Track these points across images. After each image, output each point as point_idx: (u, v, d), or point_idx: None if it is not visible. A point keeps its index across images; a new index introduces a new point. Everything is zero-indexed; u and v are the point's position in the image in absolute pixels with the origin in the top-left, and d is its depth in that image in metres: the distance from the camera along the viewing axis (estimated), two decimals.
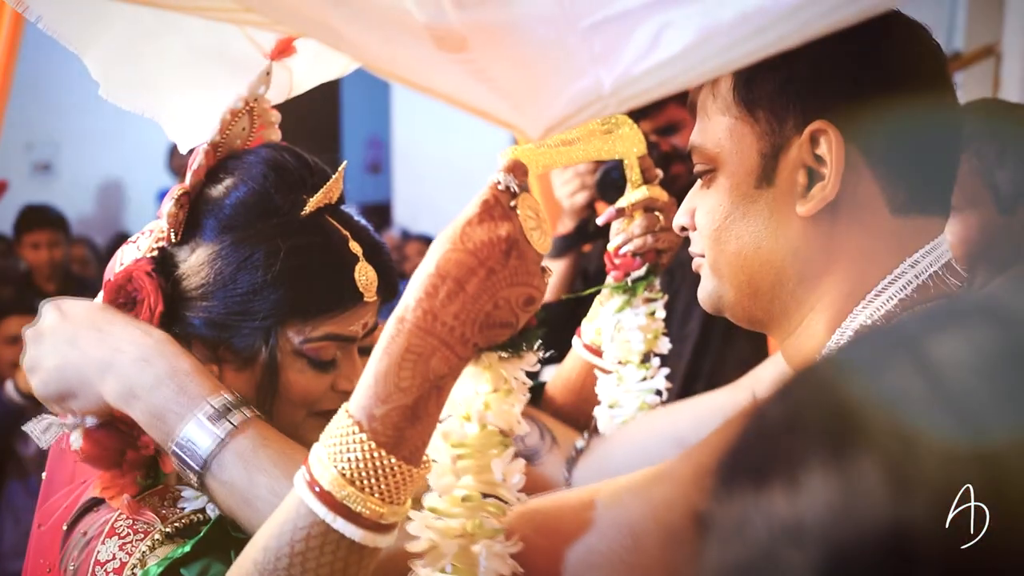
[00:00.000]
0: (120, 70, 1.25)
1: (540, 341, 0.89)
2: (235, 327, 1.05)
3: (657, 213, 1.38)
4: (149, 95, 1.29)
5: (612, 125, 1.31)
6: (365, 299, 1.09)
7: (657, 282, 1.39)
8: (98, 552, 0.99)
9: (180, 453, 0.97)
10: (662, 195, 1.39)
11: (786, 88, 0.91)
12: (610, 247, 1.40)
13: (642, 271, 1.37)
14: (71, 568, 1.02)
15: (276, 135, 1.19)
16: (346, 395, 1.10)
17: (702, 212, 0.98)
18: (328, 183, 1.09)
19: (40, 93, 6.43)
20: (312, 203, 1.08)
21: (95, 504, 1.05)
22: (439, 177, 7.39)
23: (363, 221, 1.14)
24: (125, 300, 1.07)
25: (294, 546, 0.80)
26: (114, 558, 0.98)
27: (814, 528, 0.42)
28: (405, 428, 0.80)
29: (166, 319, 1.06)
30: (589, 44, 0.67)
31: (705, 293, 1.00)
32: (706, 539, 0.47)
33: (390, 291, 1.13)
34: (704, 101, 0.99)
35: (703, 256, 1.00)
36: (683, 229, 1.04)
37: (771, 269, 0.94)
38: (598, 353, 1.43)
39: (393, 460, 0.80)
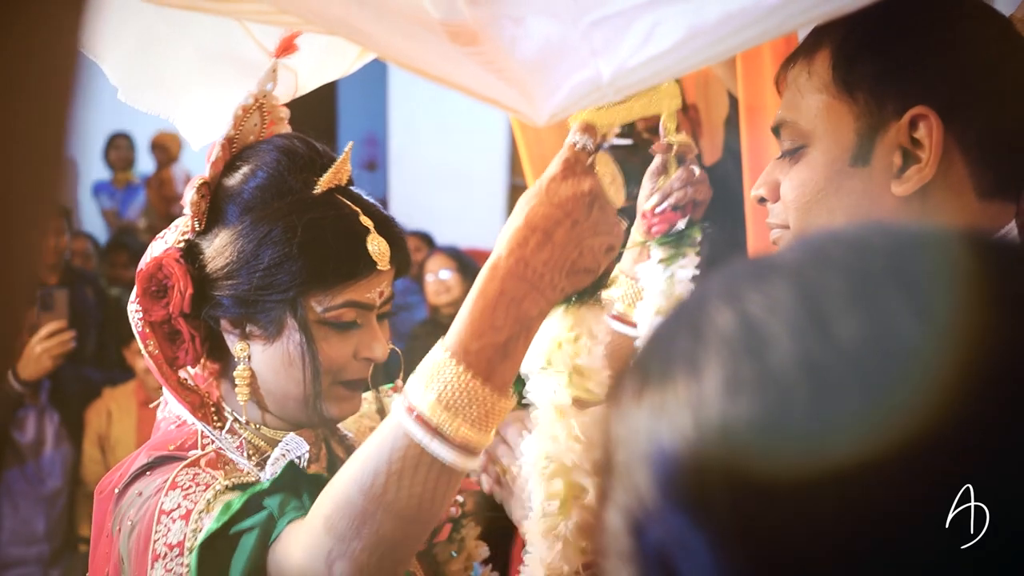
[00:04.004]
0: (136, 74, 1.32)
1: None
2: (261, 302, 1.12)
3: (692, 166, 1.41)
4: (163, 96, 1.36)
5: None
6: (379, 268, 1.15)
7: (699, 236, 1.41)
8: (162, 503, 1.05)
9: None
10: (693, 145, 1.42)
11: (887, 72, 0.93)
12: (646, 207, 1.42)
13: (683, 224, 1.39)
14: (128, 524, 1.07)
15: (286, 129, 1.25)
16: (368, 362, 1.16)
17: (790, 185, 1.01)
18: (337, 163, 1.16)
19: None
20: (323, 181, 1.15)
21: (148, 470, 1.11)
22: (435, 175, 7.42)
23: (371, 199, 1.21)
24: (157, 287, 1.13)
25: (391, 465, 0.88)
26: (179, 506, 1.04)
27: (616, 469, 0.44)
28: (496, 363, 0.88)
29: (196, 301, 1.13)
30: (590, 39, 0.73)
31: None
32: None
33: (403, 262, 1.20)
34: (797, 78, 1.01)
35: (785, 228, 1.03)
36: (762, 200, 1.07)
37: None
38: (624, 321, 1.44)
39: (487, 389, 0.88)
